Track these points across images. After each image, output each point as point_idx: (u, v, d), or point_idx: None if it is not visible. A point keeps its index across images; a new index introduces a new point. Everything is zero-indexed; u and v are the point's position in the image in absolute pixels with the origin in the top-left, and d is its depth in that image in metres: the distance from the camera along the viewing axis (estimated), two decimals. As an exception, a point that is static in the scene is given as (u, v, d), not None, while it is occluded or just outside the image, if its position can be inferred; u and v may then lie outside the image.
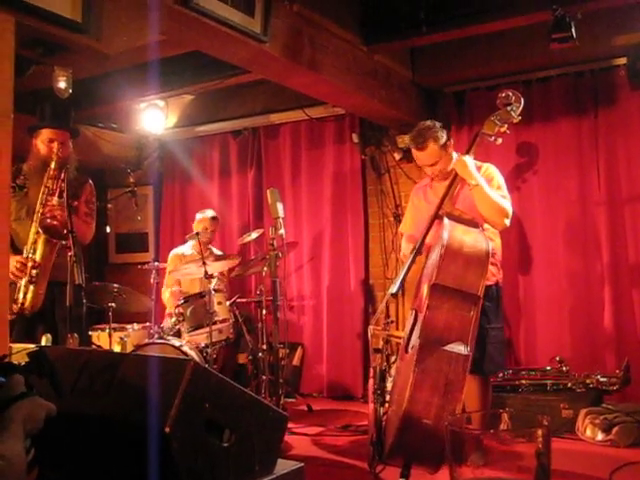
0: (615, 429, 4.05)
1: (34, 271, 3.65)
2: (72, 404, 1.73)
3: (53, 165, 3.75)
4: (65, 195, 3.59)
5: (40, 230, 3.65)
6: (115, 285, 5.06)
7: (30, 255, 3.67)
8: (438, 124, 3.72)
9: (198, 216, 5.80)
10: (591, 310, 5.03)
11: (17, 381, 1.49)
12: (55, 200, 3.66)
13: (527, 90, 5.19)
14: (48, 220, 3.62)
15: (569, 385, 4.49)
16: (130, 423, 1.62)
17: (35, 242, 3.68)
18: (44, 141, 3.86)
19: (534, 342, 5.23)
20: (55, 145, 3.81)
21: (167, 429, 1.50)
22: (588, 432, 4.17)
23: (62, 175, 3.71)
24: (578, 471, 3.46)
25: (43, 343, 3.21)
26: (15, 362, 1.57)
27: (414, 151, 3.73)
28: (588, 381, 4.47)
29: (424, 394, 2.77)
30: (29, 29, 3.12)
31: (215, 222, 5.79)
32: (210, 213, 5.80)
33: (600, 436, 4.10)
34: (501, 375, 4.68)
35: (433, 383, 2.78)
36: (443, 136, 3.66)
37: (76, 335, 3.14)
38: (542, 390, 4.56)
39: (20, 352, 1.76)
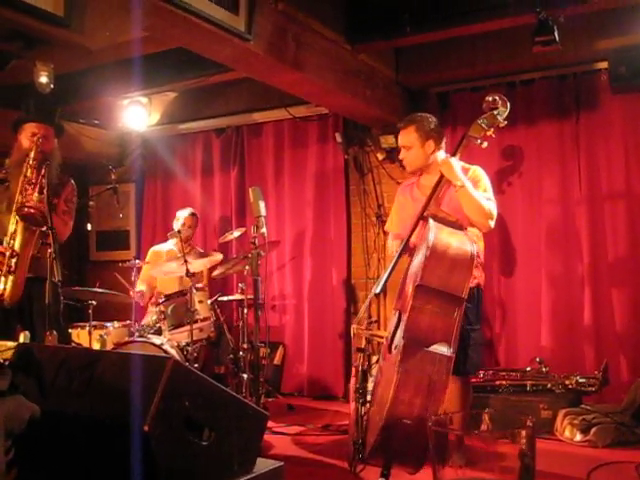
0: (593, 430, 4.08)
1: (13, 260, 3.62)
2: (50, 403, 1.71)
3: (32, 154, 3.72)
4: (45, 192, 3.55)
5: (18, 217, 3.62)
6: (95, 289, 5.00)
7: (9, 245, 3.64)
8: (435, 121, 3.68)
9: (177, 214, 5.85)
10: (572, 311, 5.06)
11: (1, 379, 1.47)
12: (35, 196, 3.63)
13: (511, 92, 5.21)
14: (25, 209, 3.59)
15: (548, 386, 4.53)
16: (109, 422, 1.60)
17: (14, 232, 3.66)
18: (27, 135, 3.84)
19: (515, 343, 5.25)
20: (36, 139, 3.78)
21: (146, 427, 1.48)
22: (567, 433, 4.20)
23: (42, 171, 3.67)
24: (556, 471, 3.48)
25: (21, 341, 3.18)
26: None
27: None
28: (567, 382, 4.51)
29: (407, 394, 2.77)
30: (7, 22, 3.07)
31: (194, 218, 5.84)
32: (189, 210, 5.87)
33: (578, 436, 4.13)
34: (482, 376, 4.70)
35: (416, 384, 2.79)
36: (429, 129, 3.61)
37: (55, 332, 3.11)
38: (522, 391, 4.59)
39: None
